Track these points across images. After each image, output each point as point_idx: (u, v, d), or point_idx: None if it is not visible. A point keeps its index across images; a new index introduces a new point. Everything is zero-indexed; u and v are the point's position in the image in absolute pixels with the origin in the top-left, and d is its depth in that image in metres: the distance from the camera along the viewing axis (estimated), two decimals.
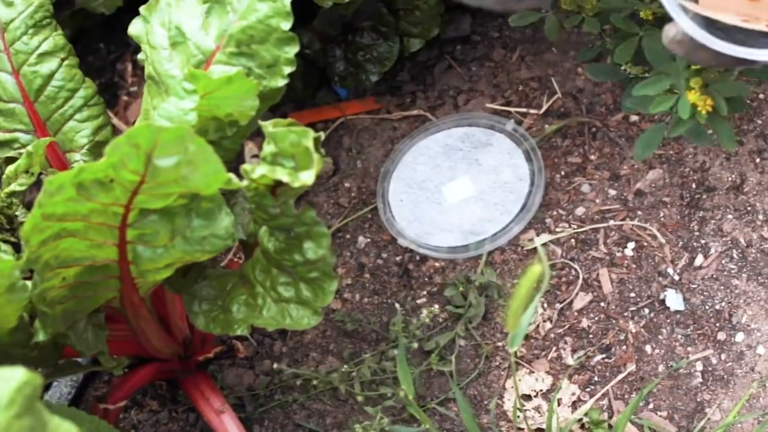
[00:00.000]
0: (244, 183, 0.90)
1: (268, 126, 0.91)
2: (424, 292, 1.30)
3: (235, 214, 1.04)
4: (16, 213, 1.08)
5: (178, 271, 1.03)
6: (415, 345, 1.25)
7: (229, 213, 0.93)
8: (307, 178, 0.88)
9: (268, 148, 0.91)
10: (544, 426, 1.18)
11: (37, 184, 1.15)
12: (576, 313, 1.25)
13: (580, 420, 1.19)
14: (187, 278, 1.05)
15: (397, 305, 1.28)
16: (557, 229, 1.30)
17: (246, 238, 1.07)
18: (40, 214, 0.86)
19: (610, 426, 1.18)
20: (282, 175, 0.87)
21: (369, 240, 1.35)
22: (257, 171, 0.88)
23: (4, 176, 1.06)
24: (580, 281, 1.26)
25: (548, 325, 1.25)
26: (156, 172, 0.84)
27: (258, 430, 1.25)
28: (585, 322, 1.24)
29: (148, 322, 1.10)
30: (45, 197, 0.84)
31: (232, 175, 0.88)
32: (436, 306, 1.24)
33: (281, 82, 1.03)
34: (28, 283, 0.93)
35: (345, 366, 1.25)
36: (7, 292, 0.90)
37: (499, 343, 1.25)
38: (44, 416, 0.72)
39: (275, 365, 1.28)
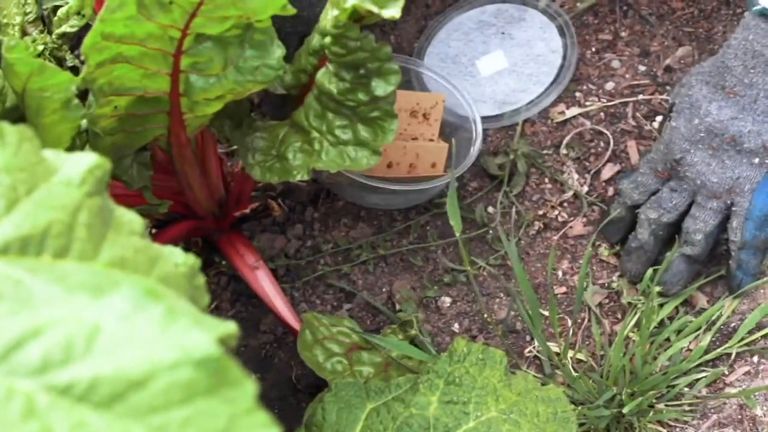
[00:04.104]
0: (335, 13, 0.93)
1: None
2: None
3: None
4: (65, 57, 1.10)
5: (227, 114, 1.05)
6: None
7: (280, 45, 0.96)
8: (395, 12, 0.92)
9: None
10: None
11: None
12: (603, 183, 1.28)
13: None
14: (240, 130, 1.08)
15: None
16: (587, 103, 1.32)
17: (287, 91, 1.10)
18: (99, 32, 0.88)
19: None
20: (371, 5, 0.90)
21: None
22: (349, 1, 0.91)
23: (55, 18, 1.08)
24: (609, 152, 1.29)
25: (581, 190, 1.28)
26: None
27: (289, 291, 1.28)
28: (611, 191, 1.27)
29: (192, 166, 1.12)
30: (106, 13, 0.86)
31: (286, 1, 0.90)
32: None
33: None
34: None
35: (376, 233, 1.28)
36: (62, 108, 0.92)
37: (540, 211, 1.27)
38: (111, 203, 0.74)
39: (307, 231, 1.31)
